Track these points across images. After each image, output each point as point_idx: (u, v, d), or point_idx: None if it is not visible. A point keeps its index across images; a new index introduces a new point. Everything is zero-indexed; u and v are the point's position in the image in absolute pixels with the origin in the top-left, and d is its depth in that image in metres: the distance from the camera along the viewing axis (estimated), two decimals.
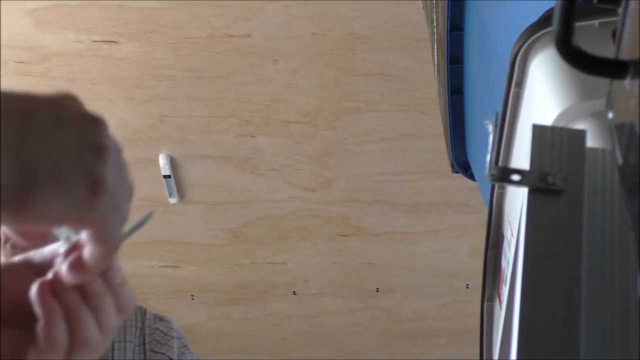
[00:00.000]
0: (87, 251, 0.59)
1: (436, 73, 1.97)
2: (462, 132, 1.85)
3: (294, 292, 3.44)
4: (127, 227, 0.61)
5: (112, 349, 1.59)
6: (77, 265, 0.59)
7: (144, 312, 1.70)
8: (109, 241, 0.58)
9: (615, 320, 0.64)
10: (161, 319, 1.71)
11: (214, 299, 3.46)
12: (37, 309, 0.59)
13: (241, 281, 3.41)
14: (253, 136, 3.01)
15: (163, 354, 1.62)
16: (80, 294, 0.60)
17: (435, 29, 1.87)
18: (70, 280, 0.59)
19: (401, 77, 2.88)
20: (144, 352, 1.62)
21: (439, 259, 3.33)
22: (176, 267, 3.36)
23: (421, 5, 2.18)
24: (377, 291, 3.46)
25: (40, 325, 0.59)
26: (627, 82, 0.59)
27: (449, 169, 2.00)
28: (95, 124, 0.59)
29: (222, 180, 3.11)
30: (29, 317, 0.59)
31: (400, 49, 2.82)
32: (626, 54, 0.61)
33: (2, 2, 2.65)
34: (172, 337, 1.67)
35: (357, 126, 2.99)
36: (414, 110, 2.96)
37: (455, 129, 1.85)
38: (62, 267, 0.59)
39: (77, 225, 0.58)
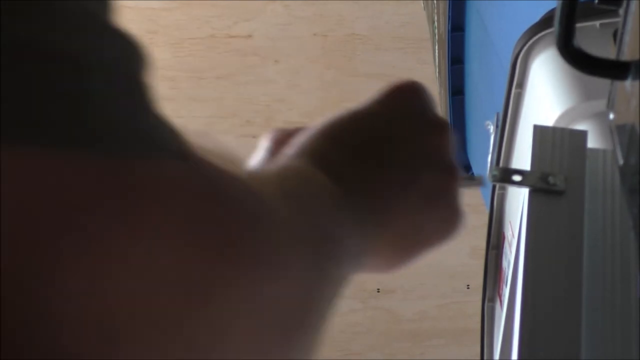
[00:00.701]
0: None
1: (437, 74, 1.97)
2: (463, 133, 1.85)
3: None
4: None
5: None
6: None
7: None
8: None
9: (616, 321, 0.65)
10: None
11: None
12: None
13: None
14: (254, 137, 3.00)
15: None
16: None
17: (436, 30, 1.87)
18: None
19: (402, 78, 2.88)
20: None
21: (439, 260, 3.33)
22: None
23: (422, 5, 2.18)
24: (378, 291, 3.46)
25: None
26: (628, 83, 0.59)
27: None
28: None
29: None
30: None
31: (401, 50, 2.82)
32: (627, 54, 0.61)
33: None
34: None
35: None
36: None
37: (456, 129, 1.85)
38: None
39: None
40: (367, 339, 3.63)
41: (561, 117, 0.94)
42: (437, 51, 1.90)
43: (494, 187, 1.19)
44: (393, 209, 0.46)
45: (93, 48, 0.27)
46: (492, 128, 1.12)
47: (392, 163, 0.47)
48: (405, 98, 0.50)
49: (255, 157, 0.57)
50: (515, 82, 1.05)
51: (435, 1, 1.84)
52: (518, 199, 1.00)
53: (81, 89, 0.26)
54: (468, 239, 3.28)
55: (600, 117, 0.89)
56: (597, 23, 0.95)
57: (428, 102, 0.50)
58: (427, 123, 0.49)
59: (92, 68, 0.27)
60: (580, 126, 0.91)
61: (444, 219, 0.49)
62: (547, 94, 0.99)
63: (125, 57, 0.28)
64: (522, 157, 1.03)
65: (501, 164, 1.12)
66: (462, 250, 3.31)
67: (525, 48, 1.02)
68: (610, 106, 0.69)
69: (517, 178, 0.71)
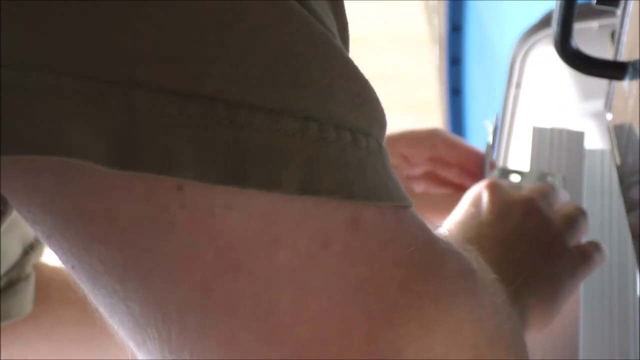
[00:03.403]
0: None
1: (436, 74, 1.98)
2: (461, 133, 1.85)
3: None
4: None
5: None
6: None
7: None
8: None
9: (614, 320, 0.65)
10: None
11: None
12: None
13: None
14: None
15: None
16: None
17: (435, 30, 1.88)
18: None
19: (401, 78, 2.89)
20: None
21: None
22: None
23: (422, 5, 2.19)
24: None
25: None
26: (626, 83, 0.59)
27: None
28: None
29: None
30: None
31: (400, 50, 2.82)
32: (625, 55, 0.61)
33: None
34: None
35: None
36: (414, 110, 2.95)
37: (455, 129, 1.85)
38: None
39: None
40: None
41: (559, 118, 0.94)
42: (436, 51, 1.90)
43: None
44: (540, 280, 0.54)
45: (358, 118, 0.33)
46: (490, 128, 1.13)
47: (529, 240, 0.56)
48: (491, 194, 0.59)
49: None
50: (514, 82, 1.05)
51: (434, 1, 1.84)
52: None
53: (357, 155, 0.31)
54: None
55: (598, 117, 0.89)
56: (595, 24, 0.95)
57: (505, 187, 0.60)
58: (523, 197, 0.59)
59: (361, 136, 0.32)
60: (578, 126, 0.91)
61: (575, 267, 0.57)
62: (545, 95, 0.99)
63: (377, 126, 0.34)
64: (521, 157, 1.03)
65: (500, 164, 1.12)
66: None
67: (524, 49, 1.02)
68: (608, 106, 0.69)
69: (515, 178, 0.71)
